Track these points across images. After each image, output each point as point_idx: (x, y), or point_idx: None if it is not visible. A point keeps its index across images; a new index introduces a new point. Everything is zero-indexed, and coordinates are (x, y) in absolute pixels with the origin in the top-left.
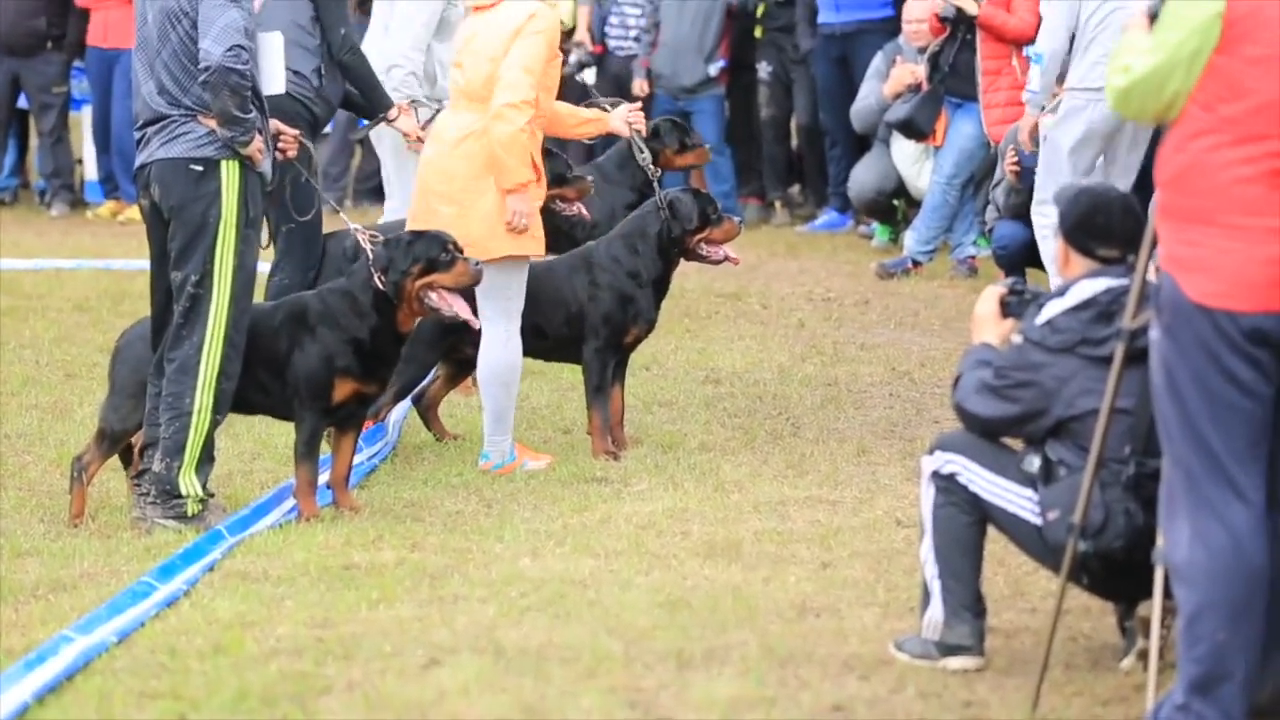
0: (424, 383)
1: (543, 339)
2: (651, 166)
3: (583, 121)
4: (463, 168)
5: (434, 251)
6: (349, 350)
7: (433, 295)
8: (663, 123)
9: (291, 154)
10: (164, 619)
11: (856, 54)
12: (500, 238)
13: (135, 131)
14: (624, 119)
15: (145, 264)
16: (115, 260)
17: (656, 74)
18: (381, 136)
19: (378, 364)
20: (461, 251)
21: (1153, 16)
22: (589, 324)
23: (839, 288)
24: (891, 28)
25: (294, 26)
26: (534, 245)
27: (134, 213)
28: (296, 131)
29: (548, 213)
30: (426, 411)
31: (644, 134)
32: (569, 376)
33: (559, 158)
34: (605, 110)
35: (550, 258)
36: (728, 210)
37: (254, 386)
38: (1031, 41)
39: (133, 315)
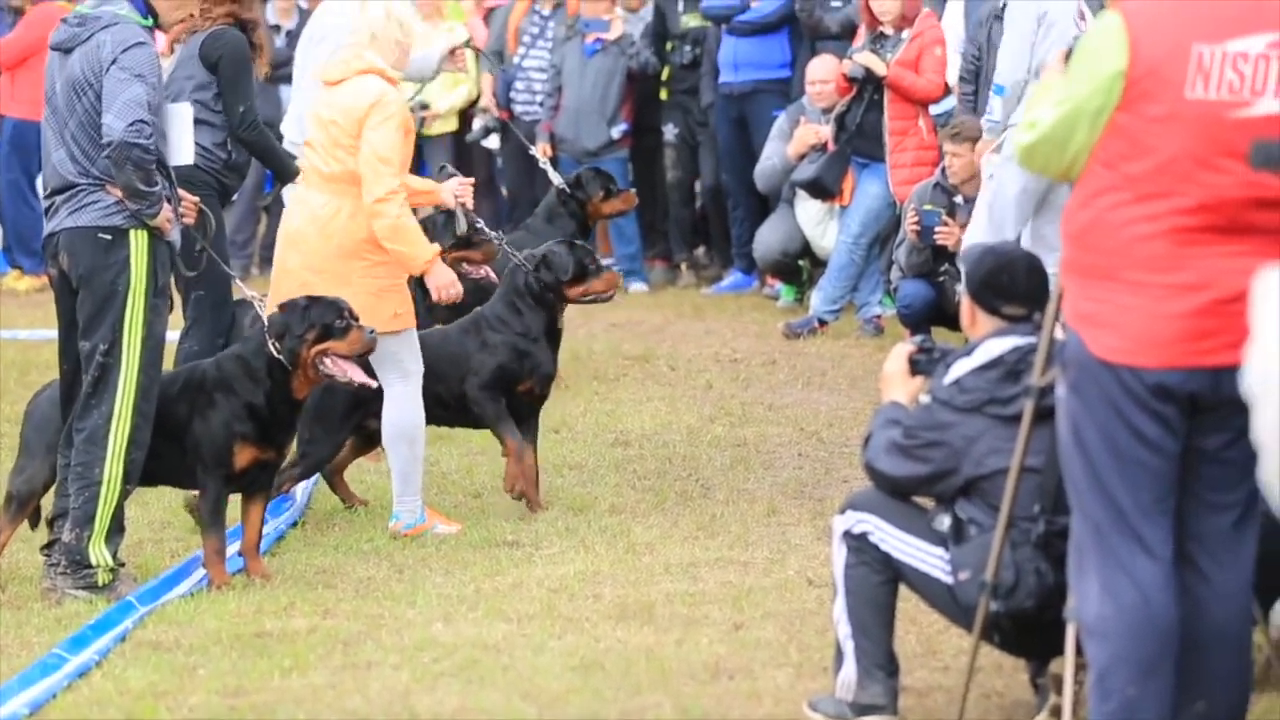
0: None
1: (444, 407)
2: (491, 235)
3: (414, 192)
4: (331, 246)
5: (329, 318)
6: (246, 416)
7: (327, 361)
8: (584, 173)
9: (189, 220)
10: (76, 690)
11: (754, 114)
12: (371, 312)
13: (44, 200)
14: (453, 191)
15: (51, 334)
16: (20, 330)
17: (560, 138)
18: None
19: (275, 429)
20: (356, 319)
21: (1069, 56)
22: (472, 367)
23: (746, 348)
24: (788, 88)
25: (198, 103)
26: (403, 322)
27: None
28: (195, 198)
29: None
30: (332, 477)
31: (470, 206)
32: (479, 441)
33: (464, 220)
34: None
35: (443, 326)
36: (634, 272)
37: (155, 456)
38: (938, 101)
39: (37, 386)
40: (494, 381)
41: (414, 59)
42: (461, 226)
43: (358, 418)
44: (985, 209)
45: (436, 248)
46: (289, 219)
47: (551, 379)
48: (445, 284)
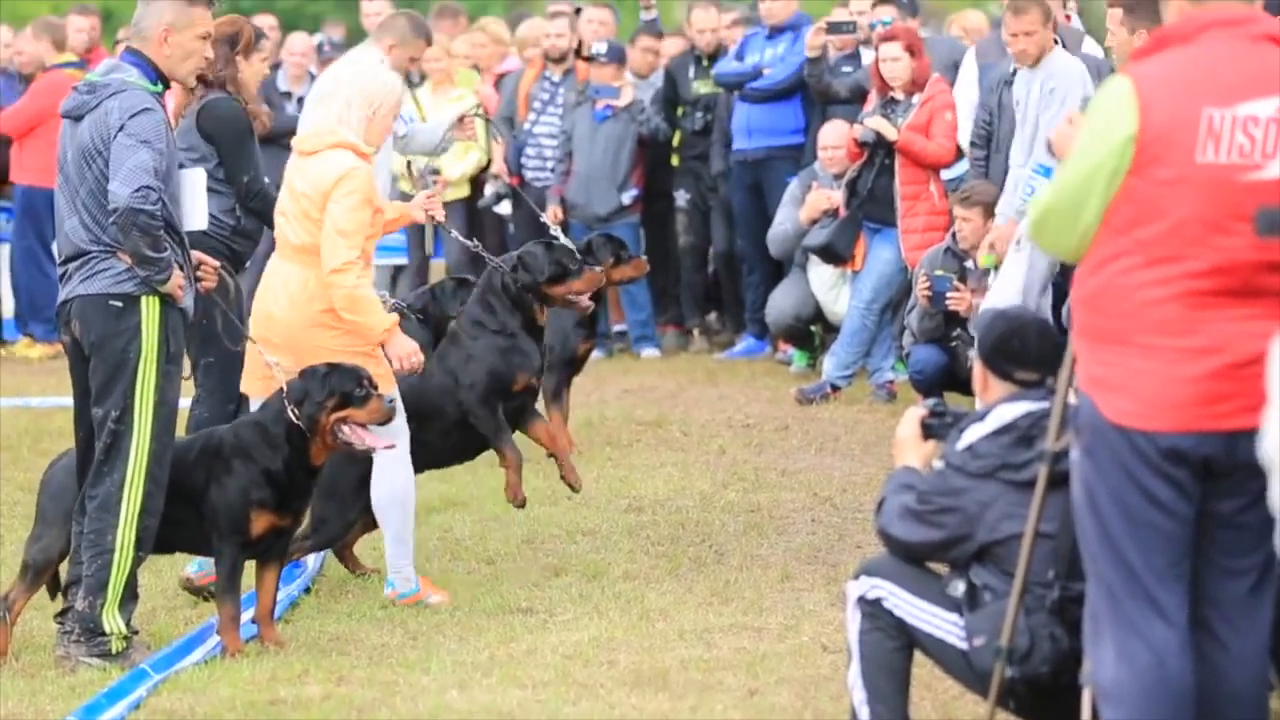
0: None
1: (446, 436)
2: (474, 245)
3: (387, 222)
4: (302, 317)
5: (348, 386)
6: (264, 482)
7: (345, 429)
8: (595, 239)
9: (210, 285)
10: None
11: (769, 180)
12: None
13: (58, 267)
14: (420, 206)
15: (64, 400)
16: (34, 398)
17: (571, 203)
18: None
19: (292, 496)
20: (376, 387)
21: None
22: (465, 381)
23: (759, 414)
24: (802, 154)
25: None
26: (382, 386)
27: (46, 349)
28: (217, 263)
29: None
30: (341, 551)
31: (440, 218)
32: (491, 507)
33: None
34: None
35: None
36: (646, 338)
37: (171, 522)
38: (949, 166)
39: (53, 453)
40: (490, 391)
41: (422, 128)
42: (429, 245)
43: (369, 495)
44: (1008, 276)
45: (394, 318)
46: (263, 288)
47: (541, 370)
48: (405, 354)
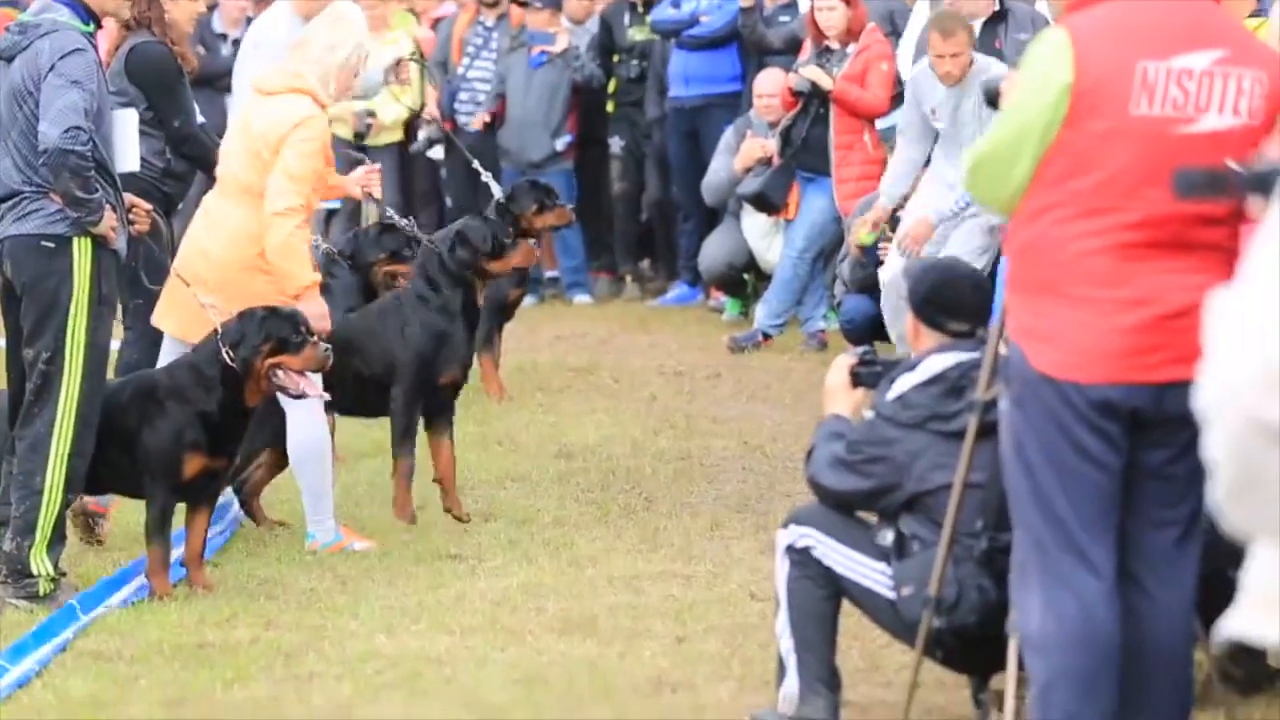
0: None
1: (363, 384)
2: (408, 225)
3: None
4: (236, 257)
5: (285, 331)
6: (197, 424)
7: (280, 373)
8: (519, 185)
9: (143, 227)
10: (16, 700)
11: (706, 128)
12: None
13: None
14: (358, 181)
15: None
16: None
17: (504, 149)
18: None
19: (226, 438)
20: (313, 333)
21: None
22: (398, 365)
23: (690, 361)
24: (739, 102)
25: None
26: (319, 324)
27: None
28: (149, 206)
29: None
30: (249, 500)
31: (378, 196)
32: (420, 453)
33: (400, 233)
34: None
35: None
36: (578, 284)
37: (104, 463)
38: (883, 116)
39: None
40: (415, 383)
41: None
42: (372, 215)
43: (273, 429)
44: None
45: (316, 277)
46: (197, 225)
47: (469, 366)
48: (317, 315)
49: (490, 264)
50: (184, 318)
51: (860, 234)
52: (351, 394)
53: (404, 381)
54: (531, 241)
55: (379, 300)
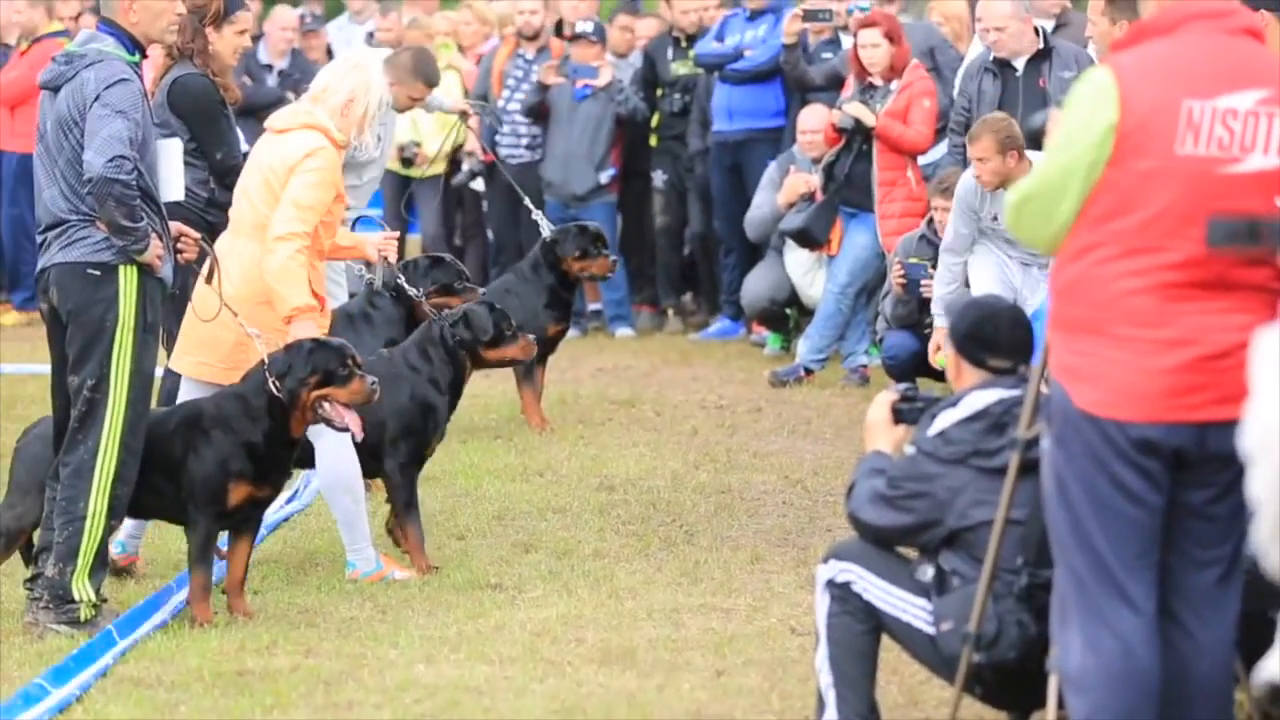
0: None
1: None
2: (408, 287)
3: (340, 249)
4: (252, 292)
5: (332, 364)
6: (243, 454)
7: (326, 406)
8: (567, 229)
9: (190, 257)
10: None
11: (748, 162)
12: None
13: (38, 235)
14: (375, 245)
15: (38, 368)
16: (7, 365)
17: (548, 182)
18: None
19: (271, 467)
20: (360, 367)
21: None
22: (389, 437)
23: (732, 395)
24: (782, 136)
25: None
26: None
27: (20, 316)
28: (197, 235)
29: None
30: None
31: (393, 260)
32: (463, 483)
33: (449, 266)
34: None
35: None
36: (620, 317)
37: (148, 490)
38: (925, 152)
39: (25, 420)
40: (411, 457)
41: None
42: (378, 281)
43: None
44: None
45: (312, 302)
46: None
47: (443, 437)
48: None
49: (487, 351)
50: (196, 360)
51: (936, 359)
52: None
53: (399, 457)
54: (531, 336)
55: (366, 361)
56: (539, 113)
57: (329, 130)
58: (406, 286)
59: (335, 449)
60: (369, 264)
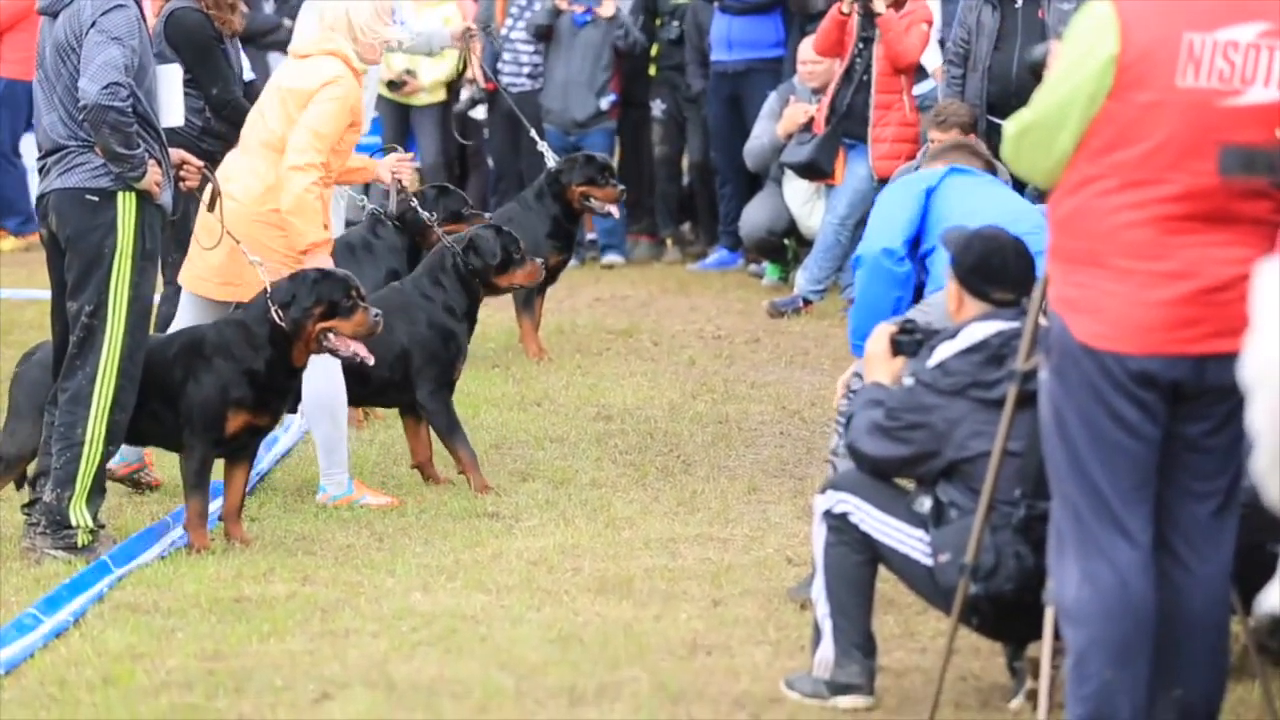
0: None
1: (365, 384)
2: (422, 212)
3: (349, 171)
4: (255, 213)
5: (337, 295)
6: (243, 382)
7: (330, 336)
8: (573, 158)
9: (193, 184)
10: (53, 650)
11: (748, 93)
12: None
13: (37, 161)
14: (389, 167)
15: (37, 293)
16: (4, 290)
17: (547, 109)
18: None
19: (271, 396)
20: (364, 298)
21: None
22: (415, 367)
23: (730, 326)
24: (781, 67)
25: None
26: None
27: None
28: (201, 162)
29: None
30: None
31: (407, 184)
32: (460, 412)
33: (455, 194)
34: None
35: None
36: (611, 245)
37: (147, 416)
38: (913, 68)
39: (23, 345)
40: (440, 384)
41: (423, 33)
42: (392, 205)
43: None
44: None
45: (327, 235)
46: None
47: (464, 360)
48: None
49: (496, 277)
50: (201, 279)
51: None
52: (353, 385)
53: (428, 385)
54: (539, 259)
55: (379, 294)
56: (546, 35)
57: (350, 58)
58: (422, 212)
59: (323, 372)
60: (368, 192)
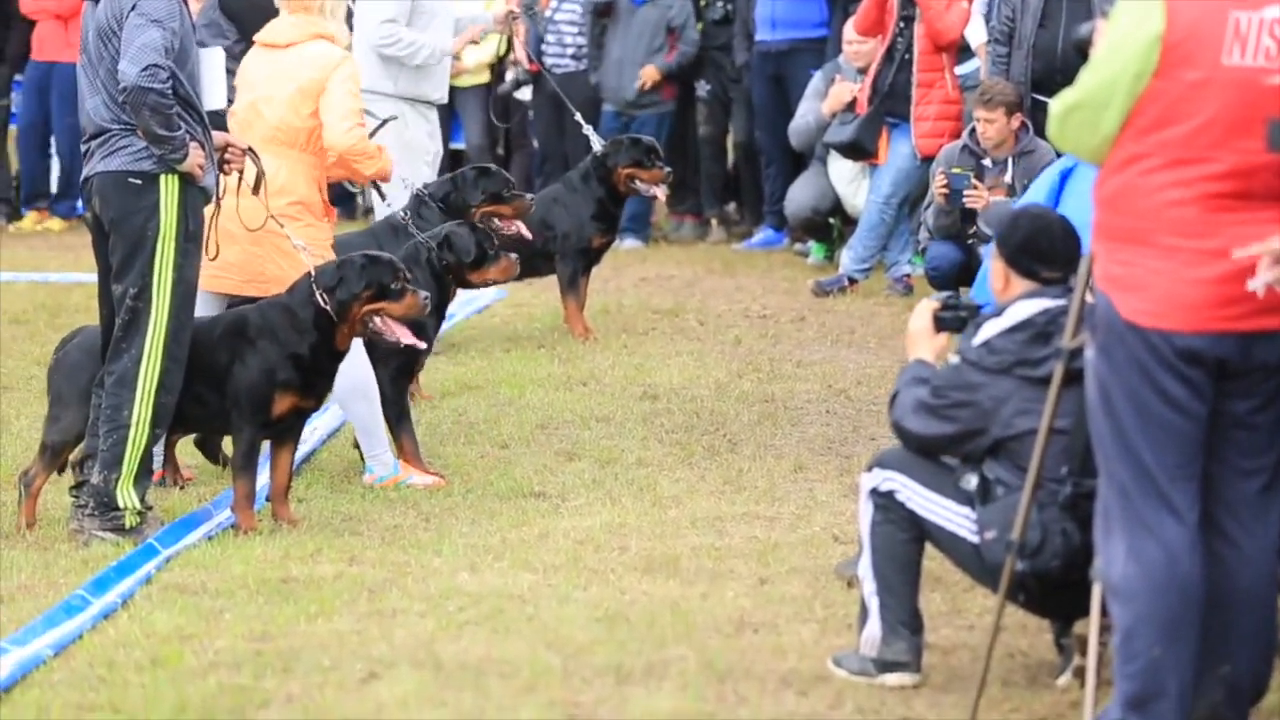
0: None
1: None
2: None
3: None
4: (260, 208)
5: (386, 279)
6: (289, 364)
7: (377, 320)
8: (618, 141)
9: (237, 168)
10: (102, 632)
11: (791, 72)
12: (301, 272)
13: (81, 145)
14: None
15: (81, 276)
16: (52, 273)
17: (602, 86)
18: None
19: (316, 378)
20: (411, 281)
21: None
22: (379, 355)
23: (775, 305)
24: (825, 47)
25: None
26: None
27: (54, 223)
28: (246, 145)
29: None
30: (204, 446)
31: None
32: (506, 391)
33: (497, 175)
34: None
35: None
36: (628, 230)
37: (192, 400)
38: (955, 44)
39: (69, 328)
40: (400, 371)
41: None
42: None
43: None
44: None
45: (389, 162)
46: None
47: (428, 354)
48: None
49: (469, 273)
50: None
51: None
52: None
53: (389, 373)
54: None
55: None
56: (606, 12)
57: (336, 38)
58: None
59: (350, 358)
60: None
